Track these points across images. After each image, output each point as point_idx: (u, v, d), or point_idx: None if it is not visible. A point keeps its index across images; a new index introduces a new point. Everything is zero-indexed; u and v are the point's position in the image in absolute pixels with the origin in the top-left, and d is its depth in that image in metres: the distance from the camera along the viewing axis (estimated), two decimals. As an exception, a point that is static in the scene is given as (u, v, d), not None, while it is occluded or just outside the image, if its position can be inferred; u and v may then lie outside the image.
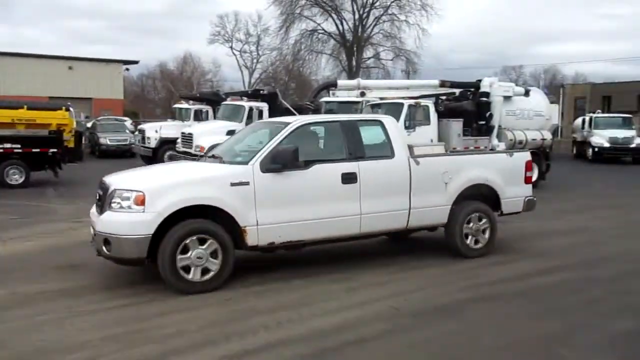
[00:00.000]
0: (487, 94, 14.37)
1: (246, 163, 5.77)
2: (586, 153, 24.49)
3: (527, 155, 7.53)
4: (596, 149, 23.47)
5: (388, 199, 6.33)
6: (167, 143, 19.05)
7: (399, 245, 7.79)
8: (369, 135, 6.49)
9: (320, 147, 6.48)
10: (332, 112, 16.70)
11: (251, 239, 5.64)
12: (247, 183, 5.60)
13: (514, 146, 14.73)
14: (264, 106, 17.36)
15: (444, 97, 14.46)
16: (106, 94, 37.29)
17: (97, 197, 5.86)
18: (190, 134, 16.84)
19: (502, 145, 14.44)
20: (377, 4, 39.21)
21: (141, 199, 5.25)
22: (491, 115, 14.27)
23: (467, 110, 14.27)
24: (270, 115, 17.22)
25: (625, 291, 5.67)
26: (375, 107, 14.06)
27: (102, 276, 6.03)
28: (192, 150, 16.54)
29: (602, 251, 7.49)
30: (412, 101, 13.18)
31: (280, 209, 5.76)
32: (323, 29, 40.13)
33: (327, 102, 17.14)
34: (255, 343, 4.25)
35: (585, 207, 11.73)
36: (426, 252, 7.28)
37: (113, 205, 5.37)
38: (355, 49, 39.87)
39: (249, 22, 54.86)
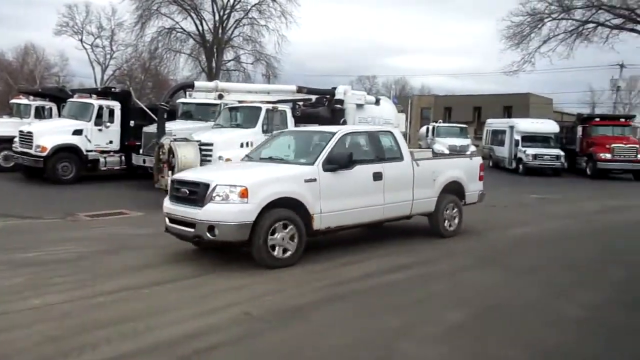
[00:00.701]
0: (341, 101, 15.00)
1: (312, 164, 7.13)
2: (430, 159, 26.57)
3: (480, 159, 9.92)
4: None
5: (400, 192, 8.04)
6: (1, 142, 17.20)
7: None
8: (385, 143, 8.26)
9: (357, 151, 7.68)
10: (189, 114, 16.32)
11: (316, 225, 6.98)
12: (314, 180, 6.98)
13: (365, 152, 15.57)
14: (116, 105, 16.43)
15: (301, 103, 14.79)
16: None
17: (181, 194, 6.83)
18: (30, 133, 15.36)
19: (355, 151, 15.17)
20: (238, 6, 39.01)
21: (245, 192, 6.35)
22: (345, 122, 14.90)
23: (322, 116, 14.76)
24: (124, 115, 16.37)
25: (461, 285, 6.23)
26: (233, 110, 13.97)
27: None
28: (32, 151, 15.10)
29: (443, 248, 8.15)
30: (269, 106, 13.31)
31: (335, 200, 7.15)
32: (182, 28, 38.91)
33: (184, 104, 16.65)
34: (95, 358, 3.97)
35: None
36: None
37: (216, 198, 6.40)
38: (215, 50, 39.22)
39: (102, 15, 51.42)
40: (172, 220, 6.97)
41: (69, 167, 15.43)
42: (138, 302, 5.31)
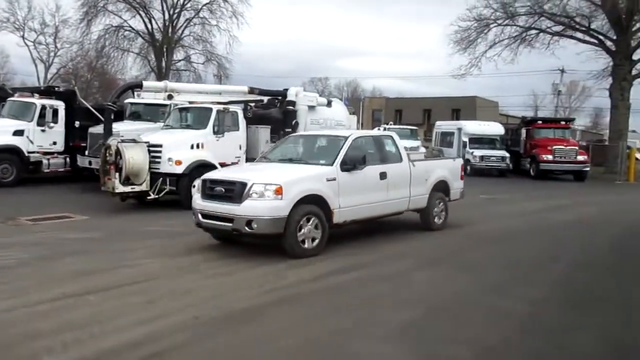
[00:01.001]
0: (293, 103, 14.99)
1: (331, 165, 7.99)
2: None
3: (462, 161, 11.31)
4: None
5: (400, 190, 9.01)
6: None
7: (200, 254, 7.71)
8: (387, 146, 9.30)
9: (366, 153, 8.45)
10: (138, 115, 15.93)
11: (336, 219, 7.83)
12: (334, 179, 7.84)
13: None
14: (60, 105, 15.88)
15: (252, 104, 14.69)
16: None
17: (217, 192, 7.51)
18: (-36, 133, 14.61)
19: (307, 152, 15.20)
20: (188, 5, 38.36)
21: (279, 190, 7.12)
22: (297, 124, 14.91)
23: (274, 117, 14.73)
24: (68, 115, 15.84)
25: (408, 285, 6.35)
26: (183, 111, 13.73)
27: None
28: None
29: (391, 249, 8.27)
30: (220, 107, 13.15)
31: (350, 196, 8.02)
32: (130, 26, 37.90)
33: (132, 104, 16.24)
34: (35, 369, 3.84)
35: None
36: (228, 259, 7.34)
37: (253, 195, 7.15)
38: (165, 49, 38.43)
39: (45, 11, 49.55)
40: (205, 216, 7.58)
41: (9, 169, 14.79)
42: (82, 309, 5.15)
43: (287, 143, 9.72)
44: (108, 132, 12.47)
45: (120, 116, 15.03)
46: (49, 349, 4.18)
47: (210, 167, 12.45)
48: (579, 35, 29.34)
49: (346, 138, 8.53)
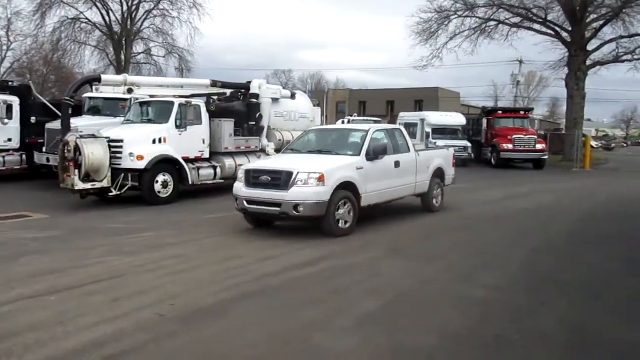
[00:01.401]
0: (256, 96, 14.88)
1: (359, 155, 9.04)
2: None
3: (453, 151, 12.58)
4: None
5: (409, 177, 10.22)
6: None
7: (164, 250, 7.60)
8: (398, 138, 10.38)
9: (383, 145, 9.53)
10: (97, 110, 15.55)
11: (363, 202, 8.88)
12: (362, 167, 8.90)
13: (282, 146, 15.54)
14: (15, 100, 15.40)
15: (215, 97, 14.52)
16: None
17: (263, 181, 8.44)
18: None
19: (271, 145, 15.13)
20: (148, -3, 37.50)
21: (322, 177, 8.14)
22: (261, 116, 14.82)
23: (238, 110, 14.58)
24: (24, 111, 15.34)
25: (374, 275, 6.41)
26: (144, 105, 13.46)
27: None
28: None
29: (357, 240, 8.32)
30: (183, 100, 12.95)
31: (374, 182, 9.09)
32: (87, 18, 36.71)
33: (90, 99, 15.82)
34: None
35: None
36: (193, 255, 7.27)
37: (298, 183, 8.11)
38: (124, 42, 37.46)
39: (-4, 3, 47.52)
40: (250, 202, 8.50)
41: (-39, 167, 14.26)
42: (43, 310, 5.00)
43: (310, 136, 10.61)
44: (66, 127, 12.13)
45: (78, 111, 14.64)
46: (8, 351, 4.05)
47: (173, 162, 12.30)
48: (536, 26, 30.06)
49: (367, 131, 9.60)
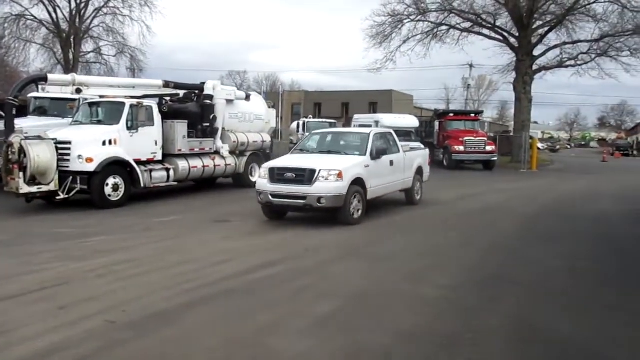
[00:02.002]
0: (210, 97, 14.70)
1: (364, 155, 10.39)
2: (301, 154, 27.10)
3: (428, 151, 14.70)
4: (309, 150, 26.17)
5: (399, 174, 11.69)
6: None
7: (115, 255, 7.41)
8: (390, 140, 11.79)
9: (382, 146, 11.04)
10: (43, 110, 15.02)
11: (369, 196, 10.20)
12: (368, 165, 10.25)
13: (237, 148, 15.43)
14: (-48, 100, 14.59)
15: (168, 98, 14.25)
16: None
17: (288, 177, 9.59)
18: None
19: (226, 147, 14.98)
20: (97, -6, 36.40)
21: (340, 174, 9.42)
22: (215, 118, 14.65)
23: (191, 112, 14.36)
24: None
25: (328, 277, 6.44)
26: (93, 105, 13.07)
27: None
28: None
29: (308, 243, 8.35)
30: (134, 101, 12.65)
31: (376, 179, 10.42)
32: (32, 15, 35.40)
33: (36, 98, 15.26)
34: None
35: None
36: (144, 259, 7.12)
37: (320, 178, 9.35)
38: (72, 41, 36.27)
39: None
40: (275, 196, 9.60)
41: None
42: (-17, 320, 4.78)
43: (315, 138, 11.91)
44: (10, 128, 11.63)
45: (23, 112, 14.12)
46: (-55, 365, 3.86)
47: (124, 164, 11.99)
48: (486, 31, 30.96)
49: (369, 134, 10.99)
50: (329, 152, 10.75)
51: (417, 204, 12.59)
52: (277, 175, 9.73)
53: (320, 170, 9.41)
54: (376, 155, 10.54)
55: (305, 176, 9.46)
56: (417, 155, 13.23)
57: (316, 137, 11.92)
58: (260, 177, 10.16)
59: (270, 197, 9.69)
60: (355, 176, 9.78)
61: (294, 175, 9.59)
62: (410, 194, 12.59)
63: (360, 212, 9.91)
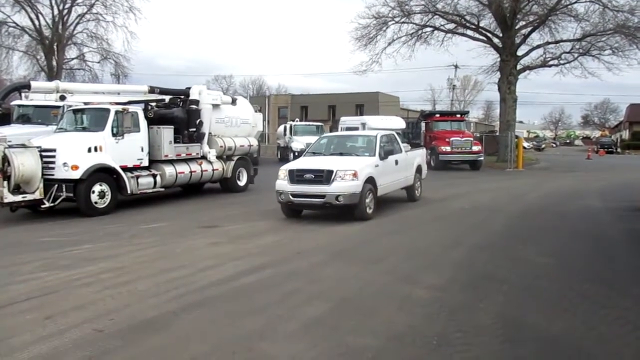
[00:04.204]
0: (196, 102, 14.65)
1: (374, 155, 11.23)
2: (289, 157, 27.11)
3: (425, 150, 15.79)
4: (296, 153, 26.16)
5: (402, 172, 12.60)
6: None
7: (102, 263, 7.34)
8: (393, 141, 12.66)
9: (388, 147, 11.92)
10: (27, 118, 14.88)
11: (379, 193, 11.09)
12: (378, 165, 11.12)
13: (224, 153, 15.38)
14: None
15: (153, 104, 14.17)
16: None
17: (307, 178, 10.34)
18: None
19: (213, 152, 14.93)
20: (80, 1, 36.17)
21: (356, 174, 10.21)
22: (201, 123, 14.61)
23: (177, 117, 14.31)
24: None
25: (317, 280, 6.42)
26: (78, 112, 12.97)
27: None
28: None
29: (295, 246, 8.35)
30: (119, 107, 12.57)
31: (384, 177, 11.30)
32: (14, 22, 35.08)
33: (20, 106, 15.11)
34: None
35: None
36: (132, 267, 7.07)
37: (337, 178, 10.11)
38: (55, 47, 35.97)
39: None
40: (295, 195, 10.41)
41: None
42: (-31, 332, 4.71)
43: (324, 141, 12.62)
44: (-7, 137, 11.50)
45: (6, 120, 13.96)
46: None
47: (110, 171, 11.90)
48: (470, 32, 31.18)
49: (376, 137, 11.82)
50: (341, 154, 11.41)
51: (418, 199, 13.54)
52: (296, 177, 10.45)
53: (337, 171, 10.15)
54: (384, 155, 11.39)
55: (324, 176, 10.21)
56: (417, 155, 14.15)
57: (326, 141, 12.60)
58: (279, 179, 10.74)
59: (290, 196, 10.44)
60: (368, 175, 10.58)
61: (313, 176, 10.33)
62: (412, 190, 13.48)
63: (372, 208, 10.71)
